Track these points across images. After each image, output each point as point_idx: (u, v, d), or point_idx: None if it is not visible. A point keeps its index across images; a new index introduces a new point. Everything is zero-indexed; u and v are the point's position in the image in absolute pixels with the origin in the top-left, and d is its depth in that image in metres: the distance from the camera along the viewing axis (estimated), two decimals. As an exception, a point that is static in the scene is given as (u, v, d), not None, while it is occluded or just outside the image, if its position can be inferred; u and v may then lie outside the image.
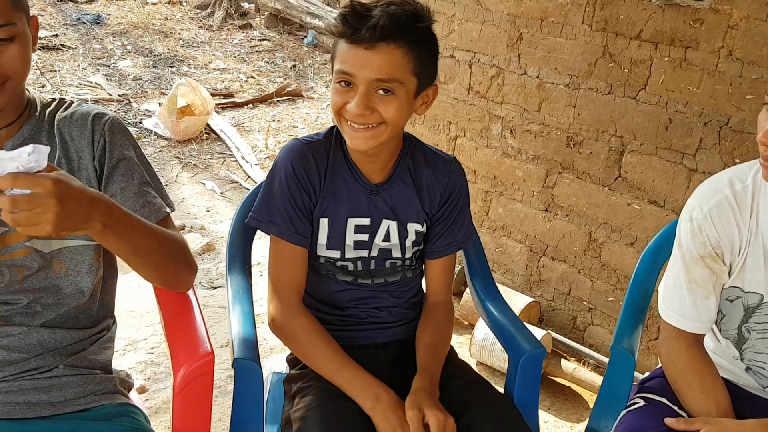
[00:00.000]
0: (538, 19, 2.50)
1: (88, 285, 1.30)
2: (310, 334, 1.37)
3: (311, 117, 5.76)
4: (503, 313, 1.60)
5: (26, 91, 1.30)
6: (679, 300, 1.35)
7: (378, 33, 1.19)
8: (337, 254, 1.43)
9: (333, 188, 1.40)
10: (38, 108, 1.31)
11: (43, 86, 5.63)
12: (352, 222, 1.42)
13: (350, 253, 1.44)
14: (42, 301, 1.27)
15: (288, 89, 6.25)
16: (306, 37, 8.02)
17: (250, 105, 5.99)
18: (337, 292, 1.47)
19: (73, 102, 1.35)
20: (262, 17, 8.61)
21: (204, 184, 4.32)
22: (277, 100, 6.10)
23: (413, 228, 1.45)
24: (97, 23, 7.56)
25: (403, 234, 1.45)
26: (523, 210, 2.75)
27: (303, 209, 1.38)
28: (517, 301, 2.63)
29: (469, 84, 2.77)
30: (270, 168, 1.43)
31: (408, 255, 1.47)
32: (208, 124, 5.15)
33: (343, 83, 1.26)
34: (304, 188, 1.37)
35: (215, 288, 2.99)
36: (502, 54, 2.65)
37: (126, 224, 1.14)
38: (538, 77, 2.56)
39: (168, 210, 1.35)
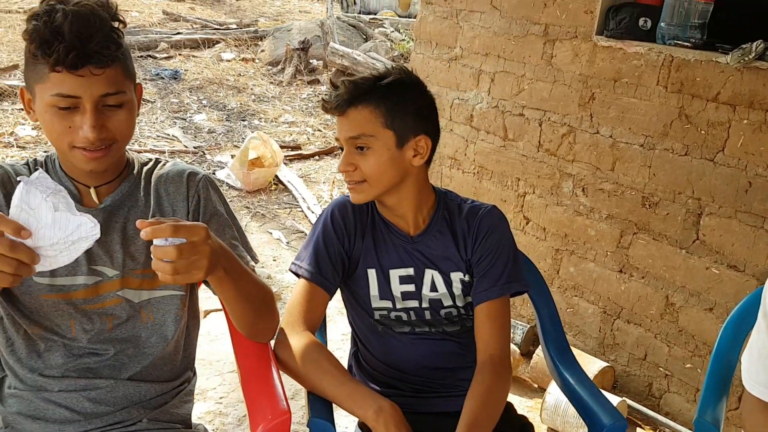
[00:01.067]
0: (611, 80, 2.50)
1: (173, 335, 1.35)
2: (312, 351, 1.36)
3: (376, 170, 5.84)
4: (581, 382, 1.55)
5: (126, 151, 1.38)
6: (765, 371, 1.29)
7: (344, 100, 1.36)
8: (389, 304, 1.48)
9: (374, 241, 1.48)
10: (136, 167, 1.39)
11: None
12: (395, 273, 1.48)
13: (400, 304, 1.48)
14: (128, 353, 1.31)
15: (353, 142, 6.38)
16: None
17: (317, 157, 6.14)
18: (399, 349, 1.48)
19: (168, 161, 1.43)
20: (329, 73, 8.88)
21: (271, 233, 4.41)
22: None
23: (457, 276, 1.48)
24: (175, 78, 7.95)
25: (448, 282, 1.48)
26: (596, 270, 2.69)
27: (334, 255, 1.45)
28: (590, 365, 2.55)
29: (539, 141, 2.77)
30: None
31: (461, 303, 1.50)
32: (276, 176, 5.30)
33: (341, 149, 1.42)
34: (339, 236, 1.46)
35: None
36: (573, 113, 2.65)
37: (238, 271, 1.22)
38: (611, 137, 2.54)
39: (253, 263, 1.40)
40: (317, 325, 1.45)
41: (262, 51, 9.51)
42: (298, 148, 6.32)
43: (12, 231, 0.97)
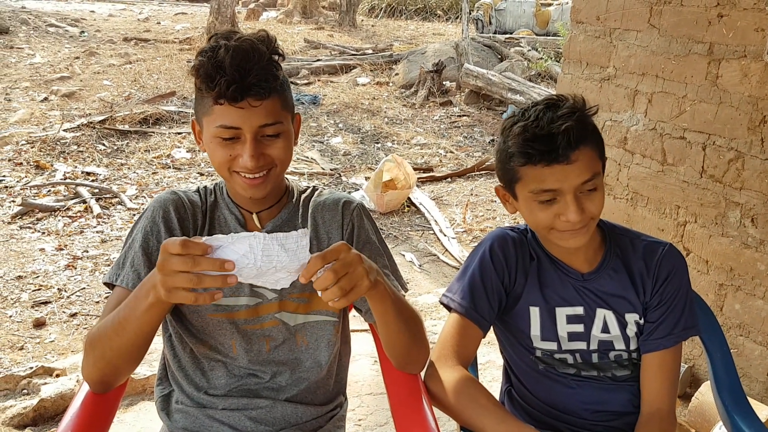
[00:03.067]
0: (788, 100, 2.26)
1: (326, 359, 1.37)
2: (468, 386, 1.29)
3: (511, 193, 5.71)
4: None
5: (285, 179, 1.41)
6: None
7: (572, 146, 1.22)
8: (553, 346, 1.39)
9: (539, 278, 1.39)
10: (295, 194, 1.43)
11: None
12: (562, 312, 1.39)
13: (566, 345, 1.38)
14: (285, 376, 1.33)
15: (486, 163, 6.29)
16: (505, 111, 8.09)
17: (449, 179, 6.11)
18: (562, 390, 1.39)
19: (324, 189, 1.46)
20: (462, 94, 8.86)
21: (404, 255, 4.42)
22: (475, 174, 6.15)
23: (632, 318, 1.38)
24: (314, 103, 8.26)
25: (622, 324, 1.37)
26: (765, 308, 2.43)
27: (491, 291, 1.38)
28: (757, 412, 2.30)
29: (702, 167, 2.56)
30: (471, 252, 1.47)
31: (633, 347, 1.39)
32: (409, 197, 5.33)
33: (546, 202, 1.27)
34: (498, 271, 1.38)
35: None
36: (741, 137, 2.42)
37: (390, 289, 1.20)
38: (787, 162, 2.29)
39: (404, 292, 1.38)
40: (470, 361, 1.39)
41: (396, 74, 9.68)
42: (430, 170, 6.33)
43: (202, 252, 0.99)
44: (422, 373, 1.37)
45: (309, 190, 1.46)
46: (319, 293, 1.05)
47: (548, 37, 11.44)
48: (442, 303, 1.45)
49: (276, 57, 1.25)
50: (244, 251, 1.02)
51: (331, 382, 1.41)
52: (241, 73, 1.17)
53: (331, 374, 1.41)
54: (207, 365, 1.34)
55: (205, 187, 1.43)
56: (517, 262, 1.41)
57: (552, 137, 1.21)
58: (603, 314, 1.38)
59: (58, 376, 2.50)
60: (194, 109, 1.32)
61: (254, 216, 1.37)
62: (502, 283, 1.40)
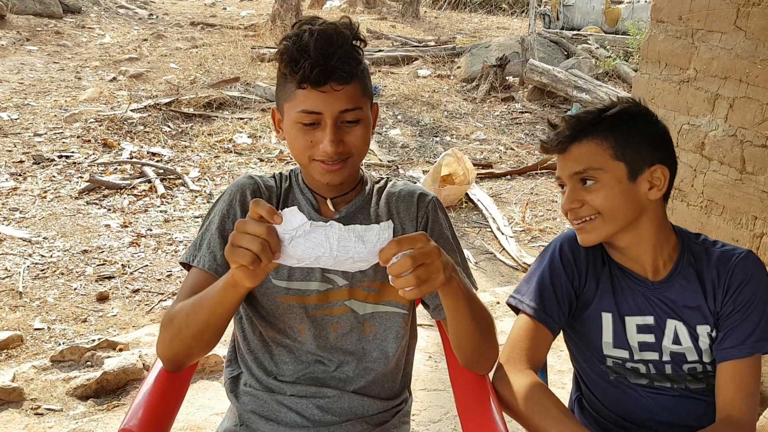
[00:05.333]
0: None
1: (393, 351, 1.35)
2: (538, 394, 1.25)
3: (571, 193, 5.59)
4: None
5: (360, 168, 1.41)
6: None
7: (566, 137, 1.30)
8: (625, 354, 1.35)
9: (610, 283, 1.36)
10: (369, 183, 1.42)
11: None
12: (632, 321, 1.35)
13: (638, 355, 1.34)
14: (351, 366, 1.33)
15: (548, 162, 6.17)
16: (569, 110, 7.92)
17: (509, 176, 6.02)
18: (634, 400, 1.35)
19: (397, 180, 1.45)
20: (525, 90, 8.72)
21: (461, 252, 4.37)
22: (536, 173, 6.04)
23: (704, 330, 1.32)
24: (374, 94, 8.24)
25: (693, 336, 1.32)
26: None
27: (561, 293, 1.35)
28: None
29: (785, 178, 2.43)
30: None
31: (707, 359, 1.33)
32: (467, 193, 5.26)
33: (561, 188, 1.36)
34: (568, 272, 1.36)
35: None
36: (832, 147, 2.29)
37: (464, 286, 1.17)
38: None
39: (474, 289, 1.35)
40: (540, 365, 1.36)
41: (458, 68, 9.59)
42: (489, 166, 6.24)
43: (266, 213, 1.00)
44: (490, 375, 1.34)
45: (383, 181, 1.45)
46: (391, 280, 1.03)
47: (617, 36, 11.14)
48: (509, 305, 1.42)
49: (358, 42, 1.24)
50: (319, 240, 1.01)
51: (399, 376, 1.40)
52: (324, 57, 1.18)
53: (399, 367, 1.39)
54: (275, 349, 1.34)
55: (281, 173, 1.44)
56: (588, 266, 1.37)
57: (553, 128, 1.36)
58: (674, 325, 1.33)
59: (121, 350, 2.57)
60: (276, 96, 1.33)
61: (328, 201, 1.37)
62: (572, 285, 1.36)
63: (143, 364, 2.49)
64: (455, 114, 7.93)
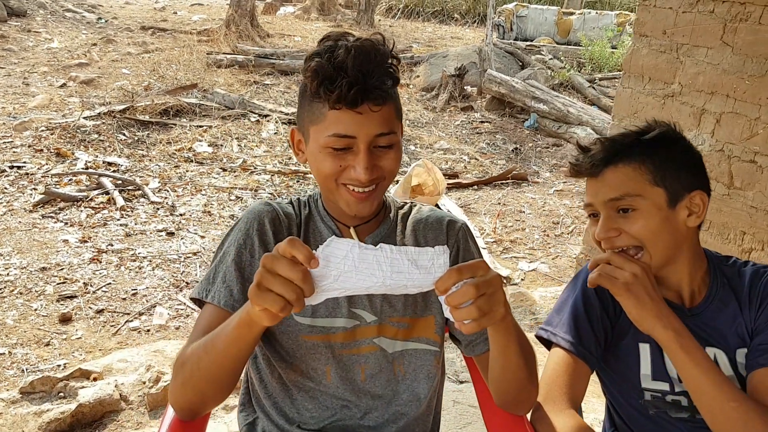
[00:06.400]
0: None
1: (425, 393, 1.26)
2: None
3: (537, 202, 5.62)
4: None
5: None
6: None
7: (600, 160, 1.24)
8: (665, 386, 1.28)
9: None
10: (392, 210, 1.33)
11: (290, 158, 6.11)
12: None
13: (679, 387, 1.27)
14: (380, 410, 1.23)
15: (513, 172, 6.19)
16: (527, 120, 7.99)
17: (476, 186, 6.01)
18: None
19: (422, 206, 1.37)
20: (484, 100, 8.76)
21: (434, 264, 4.32)
22: (502, 183, 6.06)
23: (743, 353, 1.27)
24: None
25: (733, 362, 1.27)
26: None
27: (597, 323, 1.29)
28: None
29: (773, 193, 2.46)
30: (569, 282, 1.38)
31: None
32: (437, 204, 5.22)
33: (592, 215, 1.29)
34: (603, 302, 1.30)
35: (462, 383, 2.88)
36: (819, 163, 2.33)
37: (514, 321, 1.09)
38: None
39: None
40: (579, 403, 1.29)
41: (417, 77, 9.58)
42: (455, 176, 6.22)
43: (304, 257, 0.89)
44: (528, 415, 1.27)
45: (407, 206, 1.37)
46: (447, 311, 0.94)
47: (569, 47, 11.34)
48: (539, 338, 1.35)
49: (393, 60, 1.15)
50: (370, 268, 0.91)
51: (430, 419, 1.30)
52: (363, 75, 1.08)
53: (431, 410, 1.30)
54: (297, 393, 1.23)
55: (299, 198, 1.34)
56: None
57: (586, 151, 1.30)
58: (713, 353, 1.28)
59: (95, 379, 2.40)
60: (298, 116, 1.23)
61: (351, 230, 1.28)
62: (607, 314, 1.31)
63: (120, 395, 2.33)
64: (417, 123, 7.90)
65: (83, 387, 2.31)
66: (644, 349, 1.30)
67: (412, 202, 1.39)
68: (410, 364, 1.26)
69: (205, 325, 1.17)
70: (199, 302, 1.22)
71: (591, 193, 1.26)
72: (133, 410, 2.32)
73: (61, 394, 2.29)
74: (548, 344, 1.33)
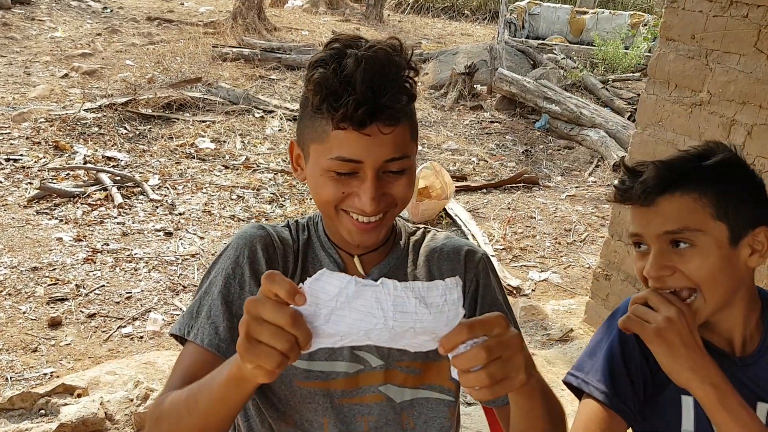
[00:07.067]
0: None
1: None
2: None
3: (549, 208, 5.45)
4: None
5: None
6: None
7: (653, 186, 1.07)
8: None
9: None
10: (403, 237, 1.18)
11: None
12: None
13: None
14: None
15: (524, 176, 6.03)
16: (538, 120, 7.82)
17: (484, 190, 5.85)
18: None
19: (436, 232, 1.21)
20: (493, 99, 8.58)
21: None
22: (512, 187, 5.89)
23: None
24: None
25: None
26: None
27: (636, 374, 1.14)
28: None
29: (809, 212, 2.30)
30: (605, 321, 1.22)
31: None
32: (444, 208, 5.07)
33: (637, 246, 1.13)
34: (643, 348, 1.12)
35: (469, 405, 2.72)
36: None
37: (541, 381, 0.95)
38: None
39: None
40: None
41: (426, 74, 9.39)
42: (463, 178, 6.06)
43: (285, 294, 0.73)
44: None
45: (419, 232, 1.21)
46: (454, 372, 0.79)
47: (582, 46, 11.13)
48: (568, 384, 1.19)
49: (410, 72, 0.98)
50: (369, 307, 0.75)
51: None
52: (374, 91, 0.92)
53: None
54: None
55: (296, 221, 1.18)
56: None
57: (637, 174, 1.12)
58: (764, 408, 1.13)
59: (79, 396, 2.25)
60: (298, 129, 1.07)
61: (356, 260, 1.12)
62: (647, 361, 1.15)
63: (105, 413, 2.18)
64: (425, 122, 7.73)
65: (66, 404, 2.17)
66: (687, 402, 1.14)
67: (425, 227, 1.23)
68: (420, 415, 1.10)
69: (186, 368, 1.01)
70: (180, 339, 1.07)
71: (641, 223, 1.11)
72: (118, 430, 2.17)
73: (42, 411, 2.15)
74: (578, 392, 1.17)
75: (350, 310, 0.75)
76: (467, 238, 4.71)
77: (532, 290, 3.97)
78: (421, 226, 1.23)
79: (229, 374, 0.83)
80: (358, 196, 0.98)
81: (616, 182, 1.14)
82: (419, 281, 0.78)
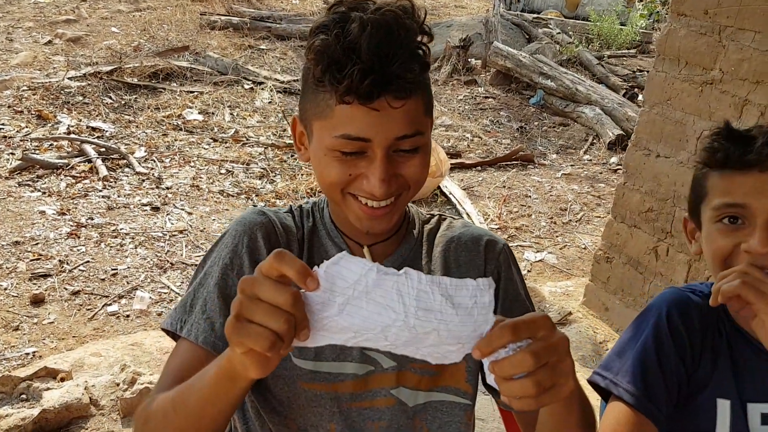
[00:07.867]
0: None
1: None
2: None
3: (544, 186, 5.37)
4: None
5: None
6: None
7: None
8: None
9: (730, 359, 1.06)
10: (417, 224, 1.08)
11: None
12: (756, 408, 1.06)
13: None
14: None
15: (519, 153, 5.93)
16: (533, 96, 7.70)
17: (479, 167, 5.75)
18: None
19: (453, 219, 1.11)
20: (487, 74, 8.44)
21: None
22: (507, 164, 5.79)
23: None
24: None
25: None
26: None
27: (670, 375, 1.04)
28: None
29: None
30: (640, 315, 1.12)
31: None
32: (438, 186, 4.97)
33: (727, 219, 1.02)
34: (679, 348, 1.05)
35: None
36: None
37: (580, 389, 0.86)
38: None
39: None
40: None
41: (419, 47, 9.22)
42: (458, 155, 5.95)
43: (296, 274, 0.64)
44: None
45: (434, 220, 1.11)
46: (489, 377, 0.69)
47: (578, 21, 10.97)
48: (593, 384, 1.10)
49: (424, 38, 0.88)
50: (389, 299, 0.65)
51: None
52: (381, 59, 0.82)
53: None
54: None
55: (300, 207, 1.07)
56: (704, 338, 1.07)
57: (747, 140, 1.03)
58: None
59: (63, 379, 2.15)
60: (300, 104, 0.96)
61: (365, 250, 1.02)
62: (683, 362, 1.06)
63: (90, 398, 2.09)
64: (418, 96, 7.59)
65: (48, 389, 2.07)
66: (723, 407, 1.06)
67: (441, 214, 1.13)
68: (435, 420, 1.01)
69: (178, 367, 0.91)
70: (172, 334, 0.97)
71: (749, 192, 1.00)
72: (104, 416, 2.08)
73: (24, 396, 2.05)
74: (605, 393, 1.09)
75: (368, 301, 0.65)
76: (462, 217, 4.62)
77: (528, 271, 3.90)
78: (435, 213, 1.14)
79: (218, 369, 0.74)
80: (366, 178, 0.89)
81: (714, 145, 1.04)
82: (447, 277, 0.68)
